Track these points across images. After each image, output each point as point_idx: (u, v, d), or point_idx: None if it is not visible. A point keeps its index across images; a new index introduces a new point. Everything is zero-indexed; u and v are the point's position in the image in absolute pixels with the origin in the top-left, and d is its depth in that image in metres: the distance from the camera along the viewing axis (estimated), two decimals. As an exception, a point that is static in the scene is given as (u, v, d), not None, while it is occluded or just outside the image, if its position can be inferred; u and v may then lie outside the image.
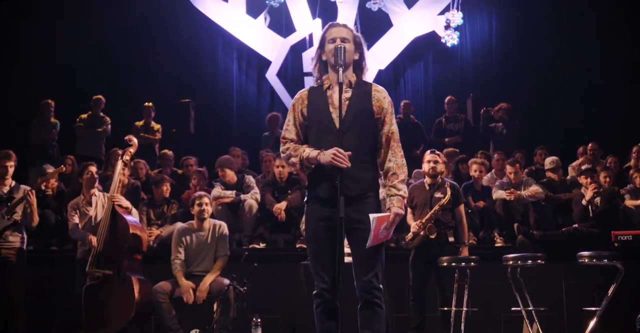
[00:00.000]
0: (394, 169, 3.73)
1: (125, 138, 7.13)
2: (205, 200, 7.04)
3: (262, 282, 7.33)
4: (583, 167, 8.27)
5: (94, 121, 10.75)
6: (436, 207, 6.56)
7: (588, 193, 7.88)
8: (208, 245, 6.93)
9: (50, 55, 11.92)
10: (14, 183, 7.07)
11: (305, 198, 3.92)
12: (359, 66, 3.89)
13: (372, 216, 3.55)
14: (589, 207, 7.86)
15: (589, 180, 7.98)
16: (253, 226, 8.33)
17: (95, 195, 7.17)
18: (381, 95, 3.83)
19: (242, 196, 8.36)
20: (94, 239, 6.59)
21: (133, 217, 6.92)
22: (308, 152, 3.73)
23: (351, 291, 3.75)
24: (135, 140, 7.10)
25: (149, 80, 12.40)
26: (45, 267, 7.75)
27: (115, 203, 6.75)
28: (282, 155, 3.91)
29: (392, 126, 3.80)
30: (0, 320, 6.72)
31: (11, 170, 7.05)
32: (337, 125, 3.66)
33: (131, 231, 6.65)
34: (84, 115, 10.82)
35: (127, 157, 7.11)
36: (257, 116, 13.05)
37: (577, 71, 12.27)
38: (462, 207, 6.81)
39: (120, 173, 7.06)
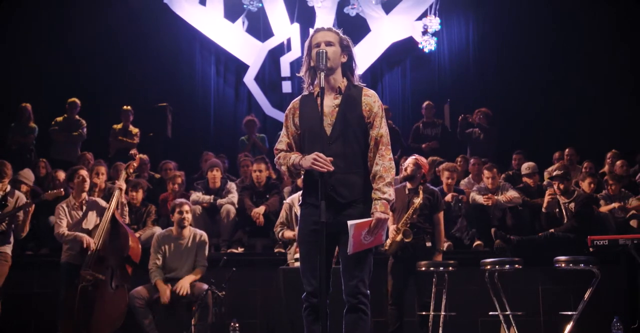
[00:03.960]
0: (380, 172, 3.72)
1: (131, 152, 7.18)
2: (186, 207, 6.98)
3: (240, 286, 7.32)
4: (554, 173, 8.26)
5: (69, 125, 10.64)
6: (410, 211, 6.58)
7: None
8: (187, 254, 6.89)
9: (28, 59, 11.80)
10: (9, 188, 6.99)
11: (300, 202, 3.92)
12: (348, 68, 3.86)
13: (349, 223, 3.54)
14: (564, 212, 7.91)
15: (556, 184, 8.03)
16: (231, 231, 8.29)
17: (86, 200, 7.12)
18: (371, 100, 3.81)
19: (219, 201, 8.32)
20: (91, 242, 6.54)
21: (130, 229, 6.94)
22: (293, 158, 3.74)
23: (341, 295, 3.75)
24: (139, 156, 7.15)
25: (127, 84, 12.29)
26: (19, 271, 7.65)
27: (118, 187, 6.93)
28: (276, 166, 3.92)
29: (381, 129, 3.78)
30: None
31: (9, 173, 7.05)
32: (328, 132, 3.70)
33: (130, 242, 6.62)
34: (60, 119, 10.71)
35: (130, 170, 7.19)
36: (234, 120, 12.99)
37: (554, 77, 12.39)
38: (441, 214, 6.83)
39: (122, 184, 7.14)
